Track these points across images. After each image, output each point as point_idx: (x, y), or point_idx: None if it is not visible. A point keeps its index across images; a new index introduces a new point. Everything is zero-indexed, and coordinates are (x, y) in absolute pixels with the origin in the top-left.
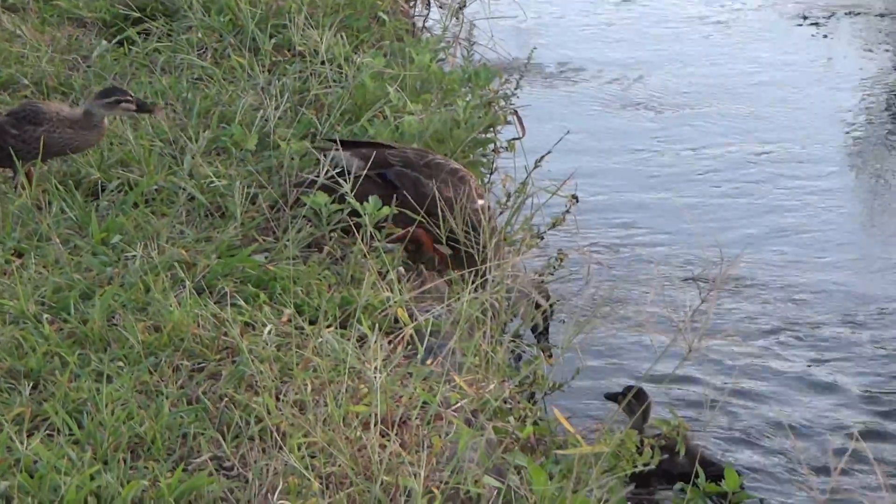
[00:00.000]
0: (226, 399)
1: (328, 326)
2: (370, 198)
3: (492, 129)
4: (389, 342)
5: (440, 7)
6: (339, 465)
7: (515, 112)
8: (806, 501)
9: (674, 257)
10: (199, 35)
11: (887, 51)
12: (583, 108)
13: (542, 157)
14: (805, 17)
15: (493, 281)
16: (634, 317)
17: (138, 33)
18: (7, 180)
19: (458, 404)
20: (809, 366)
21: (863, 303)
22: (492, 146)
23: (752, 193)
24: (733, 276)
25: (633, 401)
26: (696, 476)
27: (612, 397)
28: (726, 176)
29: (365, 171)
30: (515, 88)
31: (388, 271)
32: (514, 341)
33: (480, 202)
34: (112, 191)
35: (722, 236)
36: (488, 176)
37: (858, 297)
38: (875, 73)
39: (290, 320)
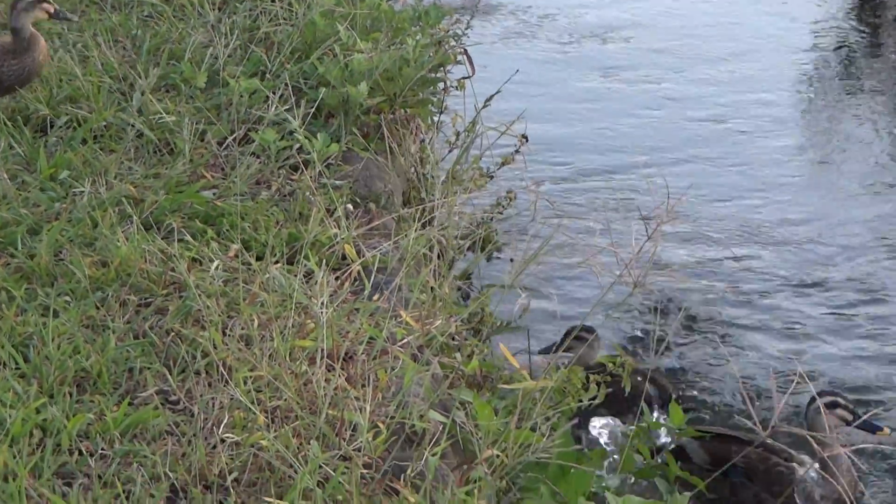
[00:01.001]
0: (172, 334)
1: (275, 262)
2: (319, 135)
3: (441, 68)
4: (336, 278)
5: None
6: (285, 399)
7: (465, 51)
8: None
9: (622, 194)
10: None
11: None
12: (533, 47)
13: (492, 97)
14: None
15: (439, 218)
16: (581, 254)
17: None
18: None
19: (405, 340)
20: (756, 302)
21: (807, 238)
22: (441, 85)
23: (701, 133)
24: (680, 213)
25: (579, 339)
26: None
27: (546, 351)
28: (676, 114)
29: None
30: (466, 28)
31: (335, 208)
32: (461, 279)
33: None
34: (61, 127)
35: (669, 174)
36: (438, 115)
37: (804, 233)
38: (827, 16)
39: (237, 256)
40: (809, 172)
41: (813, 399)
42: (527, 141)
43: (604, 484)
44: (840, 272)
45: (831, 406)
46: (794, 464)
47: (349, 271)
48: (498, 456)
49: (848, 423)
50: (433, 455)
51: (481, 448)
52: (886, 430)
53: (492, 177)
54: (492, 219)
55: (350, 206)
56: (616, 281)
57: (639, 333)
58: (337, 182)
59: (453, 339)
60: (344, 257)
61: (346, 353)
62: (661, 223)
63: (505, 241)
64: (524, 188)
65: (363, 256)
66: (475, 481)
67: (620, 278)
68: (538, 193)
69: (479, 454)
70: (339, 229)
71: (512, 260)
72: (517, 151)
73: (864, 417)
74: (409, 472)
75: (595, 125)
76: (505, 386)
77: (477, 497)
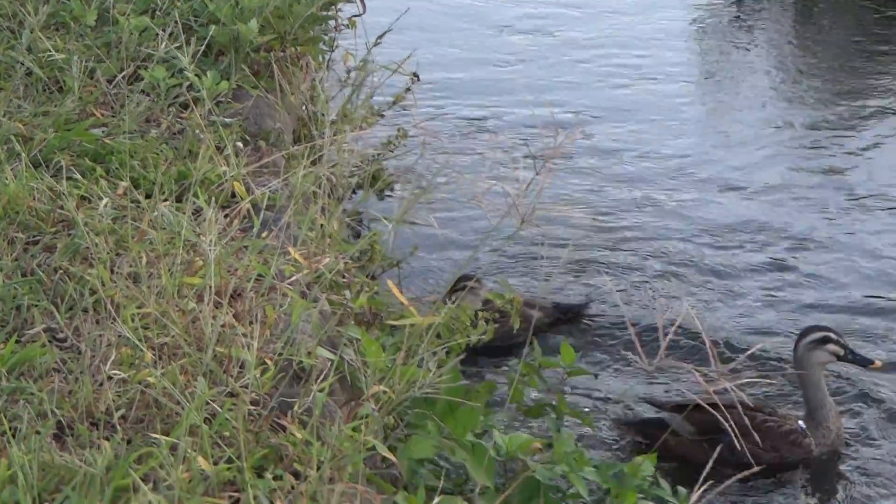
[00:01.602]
0: (60, 271)
1: (164, 200)
2: (209, 73)
3: (332, 6)
4: (226, 216)
5: None
6: (172, 336)
7: None
8: (638, 373)
9: (512, 132)
10: None
11: None
12: None
13: (383, 35)
14: None
15: (328, 156)
16: (470, 191)
17: None
18: None
19: (293, 277)
20: (645, 242)
21: (698, 181)
22: (332, 23)
23: (593, 72)
24: (568, 152)
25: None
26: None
27: None
28: (567, 55)
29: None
30: None
31: (225, 146)
32: (351, 217)
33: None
34: None
35: (560, 114)
36: (329, 54)
37: (694, 168)
38: None
39: (125, 193)
40: (700, 118)
41: (802, 335)
42: (418, 80)
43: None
44: (730, 214)
45: (822, 341)
46: (779, 417)
47: (238, 209)
48: (385, 392)
49: (839, 358)
50: (320, 391)
51: (368, 384)
52: (878, 363)
53: (383, 115)
54: (382, 157)
55: (240, 144)
56: (504, 216)
57: (529, 269)
58: (227, 120)
59: (342, 276)
60: (233, 195)
61: (234, 291)
62: (549, 159)
63: (396, 179)
64: (415, 127)
65: (252, 194)
66: (362, 417)
67: (508, 214)
68: (428, 131)
69: (367, 390)
70: (229, 167)
71: (402, 198)
72: (408, 90)
73: (856, 351)
74: (296, 408)
75: (488, 69)
76: (392, 322)
77: (364, 433)
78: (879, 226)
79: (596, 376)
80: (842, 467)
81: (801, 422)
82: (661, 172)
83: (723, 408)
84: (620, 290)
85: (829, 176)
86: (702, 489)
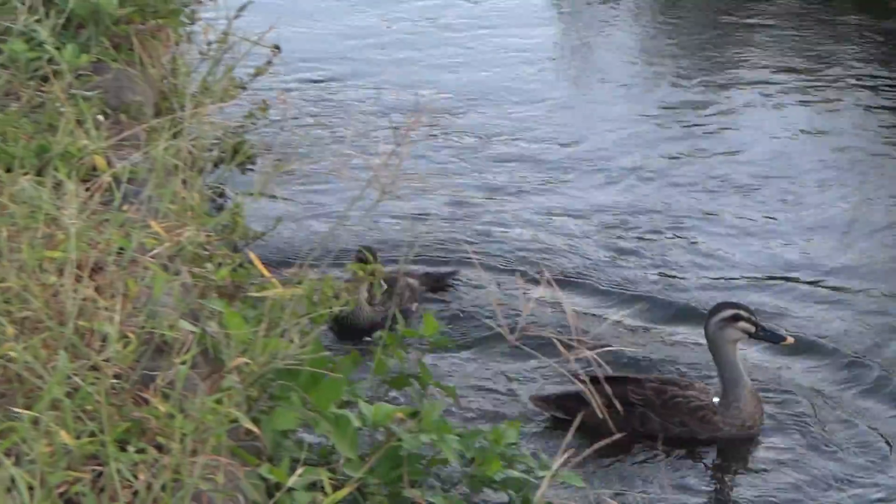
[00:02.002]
0: None
1: (24, 174)
2: (69, 46)
3: None
4: (87, 189)
5: None
6: (34, 310)
7: None
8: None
9: (374, 106)
10: None
11: None
12: None
13: (243, 7)
14: None
15: (190, 129)
16: (331, 163)
17: None
18: None
19: (155, 250)
20: (510, 203)
21: (565, 156)
22: None
23: (461, 52)
24: (431, 125)
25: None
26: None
27: None
28: (434, 34)
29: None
30: None
31: (85, 119)
32: (213, 190)
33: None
34: None
35: (428, 90)
36: (190, 26)
37: (561, 148)
38: None
39: None
40: (566, 98)
41: (713, 313)
42: (279, 52)
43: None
44: (598, 193)
45: (733, 319)
46: (692, 392)
47: (99, 182)
48: (248, 364)
49: (751, 336)
50: (183, 364)
51: (231, 357)
52: (790, 340)
53: (245, 87)
54: (244, 130)
55: (100, 117)
56: (365, 188)
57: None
58: (87, 93)
59: (204, 249)
60: (94, 168)
61: (95, 264)
62: (409, 130)
63: (257, 152)
64: (277, 98)
65: (113, 167)
66: (225, 390)
67: (370, 186)
68: (289, 104)
69: (229, 363)
70: (90, 140)
71: (264, 170)
72: (270, 63)
73: (768, 328)
74: (158, 381)
75: (350, 44)
76: (255, 294)
77: (227, 405)
78: (748, 202)
79: (457, 348)
80: (756, 449)
81: (716, 398)
82: (529, 153)
83: (638, 383)
84: (490, 267)
85: (696, 155)
86: (564, 457)
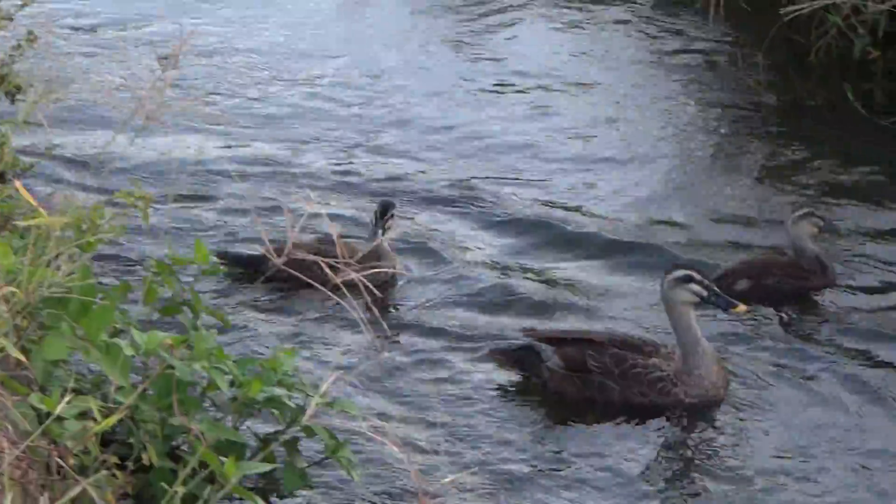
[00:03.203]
0: None
1: None
2: None
3: None
4: None
5: None
6: None
7: None
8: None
9: (135, 30)
10: None
11: None
12: None
13: None
14: None
15: None
16: (98, 91)
17: None
18: None
19: None
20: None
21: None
22: None
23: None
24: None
25: None
26: None
27: None
28: None
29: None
30: None
31: None
32: None
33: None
34: None
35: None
36: None
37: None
38: None
39: None
40: (343, 42)
41: (667, 272)
42: None
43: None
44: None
45: (685, 280)
46: (654, 360)
47: None
48: (14, 293)
49: (702, 300)
50: None
51: None
52: (741, 307)
53: (11, 18)
54: (12, 60)
55: None
56: (132, 114)
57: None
58: None
59: None
60: None
61: None
62: (175, 56)
63: (25, 82)
64: (45, 30)
65: None
66: None
67: (136, 112)
68: (52, 31)
69: None
70: None
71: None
72: None
73: (721, 294)
74: None
75: None
76: (19, 224)
77: None
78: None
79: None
80: (718, 417)
81: (669, 369)
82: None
83: (604, 348)
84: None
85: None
86: (333, 378)
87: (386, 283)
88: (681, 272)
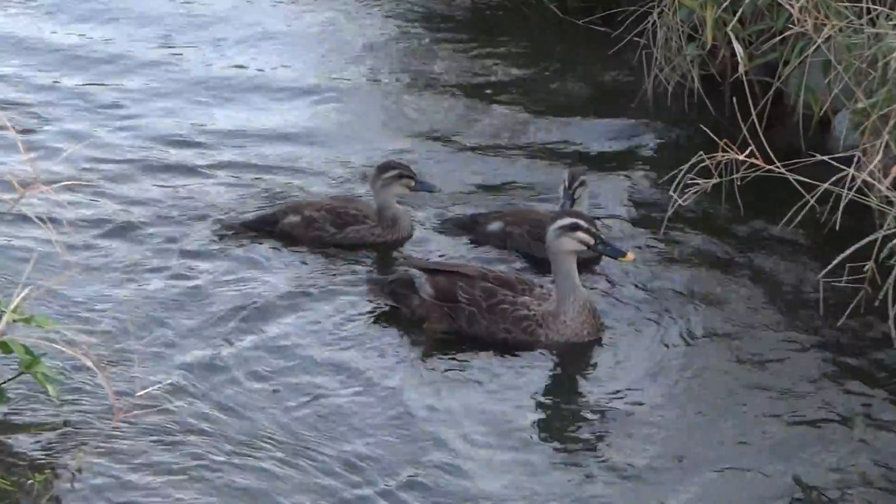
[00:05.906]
0: None
1: None
2: None
3: None
4: None
5: None
6: None
7: None
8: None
9: None
10: None
11: None
12: None
13: None
14: None
15: None
16: None
17: None
18: None
19: None
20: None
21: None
22: None
23: None
24: None
25: None
26: None
27: None
28: None
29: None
30: None
31: None
32: None
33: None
34: None
35: None
36: None
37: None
38: None
39: None
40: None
41: (552, 220)
42: None
43: None
44: None
45: (571, 228)
46: (525, 298)
47: None
48: None
49: (589, 248)
50: None
51: None
52: (630, 256)
53: None
54: None
55: None
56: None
57: None
58: None
59: None
60: None
61: None
62: None
63: None
64: None
65: None
66: None
67: None
68: None
69: None
70: None
71: None
72: None
73: (608, 242)
74: None
75: None
76: None
77: None
78: None
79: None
80: (591, 357)
81: (537, 307)
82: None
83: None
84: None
85: None
86: (23, 294)
87: (402, 240)
88: (567, 220)
